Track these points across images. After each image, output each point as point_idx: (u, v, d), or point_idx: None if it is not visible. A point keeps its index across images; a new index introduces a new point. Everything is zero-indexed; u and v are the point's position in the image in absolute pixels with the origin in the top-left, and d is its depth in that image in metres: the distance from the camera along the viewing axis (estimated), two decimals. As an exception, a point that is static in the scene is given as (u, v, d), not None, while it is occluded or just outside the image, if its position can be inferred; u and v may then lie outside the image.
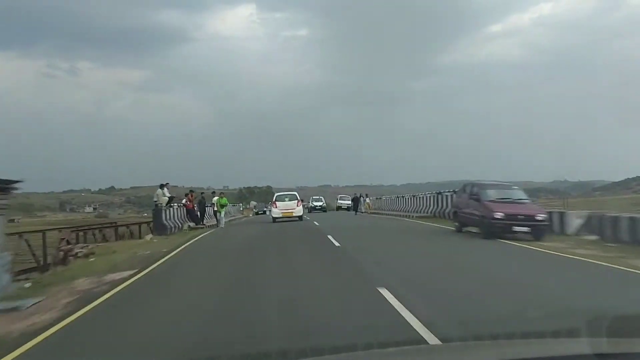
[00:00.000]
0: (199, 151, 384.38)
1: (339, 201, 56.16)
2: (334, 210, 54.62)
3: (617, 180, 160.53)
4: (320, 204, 50.53)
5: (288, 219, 26.66)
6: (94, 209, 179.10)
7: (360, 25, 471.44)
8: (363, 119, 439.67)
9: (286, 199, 27.98)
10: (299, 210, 27.61)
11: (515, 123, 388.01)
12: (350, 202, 49.54)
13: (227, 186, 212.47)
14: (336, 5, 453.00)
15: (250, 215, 54.30)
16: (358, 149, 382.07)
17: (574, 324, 3.71)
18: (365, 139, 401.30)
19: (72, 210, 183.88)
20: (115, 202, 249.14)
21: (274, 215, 27.33)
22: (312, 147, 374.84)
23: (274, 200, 28.56)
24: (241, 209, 57.07)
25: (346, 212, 46.52)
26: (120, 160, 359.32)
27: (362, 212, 39.31)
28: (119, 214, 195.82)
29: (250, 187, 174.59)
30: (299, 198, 28.48)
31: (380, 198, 47.05)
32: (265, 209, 61.07)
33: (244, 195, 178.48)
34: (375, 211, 40.04)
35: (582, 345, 2.51)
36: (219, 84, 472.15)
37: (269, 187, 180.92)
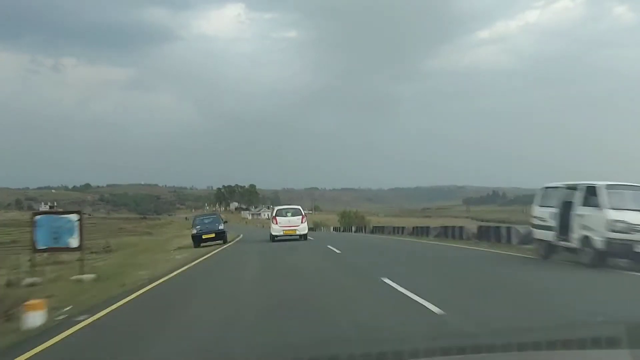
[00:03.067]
0: (183, 151, 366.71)
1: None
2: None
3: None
4: None
5: (289, 237, 22.75)
6: (51, 207, 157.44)
7: (349, 29, 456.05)
8: (351, 122, 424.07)
9: (288, 214, 23.91)
10: (303, 228, 23.27)
11: (504, 128, 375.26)
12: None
13: (211, 186, 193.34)
14: (325, 8, 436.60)
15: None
16: (346, 152, 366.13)
17: None
18: (353, 142, 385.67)
19: (30, 207, 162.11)
20: (87, 200, 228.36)
21: (273, 233, 23.18)
22: (300, 150, 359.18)
23: (273, 215, 24.33)
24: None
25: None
26: (100, 157, 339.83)
27: None
28: (84, 213, 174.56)
29: (231, 186, 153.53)
30: (303, 213, 24.23)
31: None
32: (220, 226, 25.15)
33: (223, 196, 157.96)
34: None
35: (624, 357, 2.64)
36: (205, 84, 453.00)
37: (252, 187, 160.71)
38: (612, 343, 3.45)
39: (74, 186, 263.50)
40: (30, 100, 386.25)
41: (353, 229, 48.48)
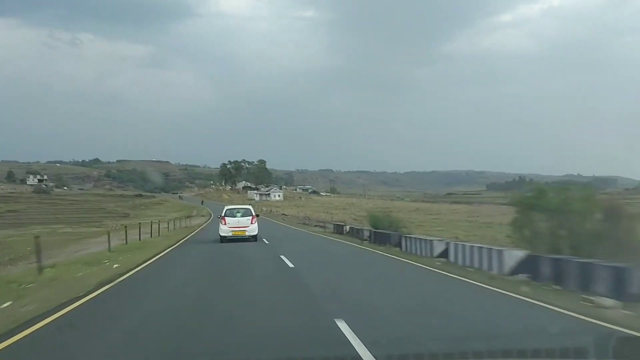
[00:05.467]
0: (196, 129, 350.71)
1: None
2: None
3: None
4: None
5: (240, 238, 21.52)
6: (40, 180, 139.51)
7: (367, 9, 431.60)
8: (367, 104, 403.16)
9: (238, 214, 22.80)
10: (253, 229, 22.04)
11: (523, 114, 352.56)
12: None
13: (225, 164, 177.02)
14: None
15: None
16: (361, 135, 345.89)
17: None
18: (369, 124, 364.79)
19: (22, 181, 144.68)
20: (93, 175, 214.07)
21: (222, 234, 21.90)
22: (314, 131, 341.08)
23: (223, 215, 22.61)
24: None
25: None
26: (111, 133, 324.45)
27: None
28: (81, 189, 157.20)
29: (238, 161, 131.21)
30: (253, 213, 22.99)
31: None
32: None
33: (228, 173, 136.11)
34: None
35: None
36: (221, 62, 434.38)
37: (262, 162, 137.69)
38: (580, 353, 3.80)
39: (83, 160, 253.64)
40: (46, 75, 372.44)
41: None
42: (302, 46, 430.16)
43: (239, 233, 21.69)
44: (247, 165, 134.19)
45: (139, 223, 25.13)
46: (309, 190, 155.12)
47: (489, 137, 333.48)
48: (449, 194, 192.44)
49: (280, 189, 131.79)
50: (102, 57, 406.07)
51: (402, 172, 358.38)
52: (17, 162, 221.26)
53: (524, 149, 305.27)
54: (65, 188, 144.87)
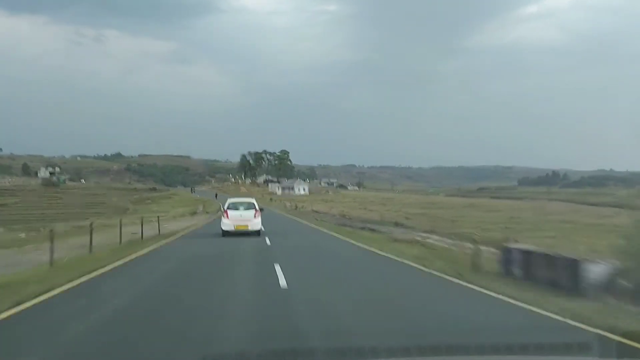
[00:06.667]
0: (218, 124, 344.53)
1: None
2: None
3: None
4: None
5: (242, 232, 20.36)
6: (51, 173, 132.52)
7: (390, 2, 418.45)
8: (391, 98, 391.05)
9: (241, 208, 21.64)
10: (256, 223, 20.97)
11: (552, 108, 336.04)
12: None
13: (244, 155, 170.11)
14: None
15: None
16: (385, 129, 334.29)
17: None
18: (392, 119, 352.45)
19: (36, 174, 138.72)
20: (112, 169, 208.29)
21: (224, 228, 20.99)
22: (337, 125, 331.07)
23: (225, 208, 21.99)
24: None
25: None
26: (135, 128, 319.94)
27: None
28: (97, 182, 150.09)
29: (258, 152, 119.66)
30: (257, 207, 21.64)
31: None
32: None
33: (248, 166, 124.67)
34: None
35: None
36: (243, 57, 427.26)
37: (284, 153, 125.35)
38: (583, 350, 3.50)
39: (105, 155, 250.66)
40: (72, 70, 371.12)
41: None
42: (324, 40, 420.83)
43: (242, 227, 20.73)
44: (268, 157, 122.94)
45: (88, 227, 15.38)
46: (335, 185, 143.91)
47: (517, 131, 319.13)
48: (482, 188, 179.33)
49: (305, 181, 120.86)
50: (127, 53, 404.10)
51: (427, 167, 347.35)
52: (43, 156, 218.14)
53: (553, 143, 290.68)
54: (82, 181, 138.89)
